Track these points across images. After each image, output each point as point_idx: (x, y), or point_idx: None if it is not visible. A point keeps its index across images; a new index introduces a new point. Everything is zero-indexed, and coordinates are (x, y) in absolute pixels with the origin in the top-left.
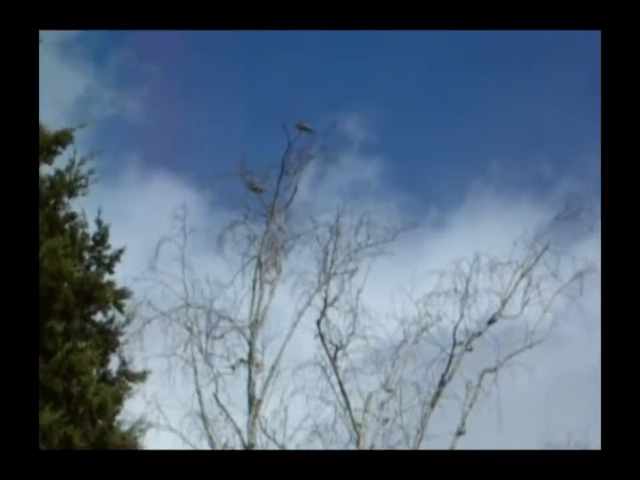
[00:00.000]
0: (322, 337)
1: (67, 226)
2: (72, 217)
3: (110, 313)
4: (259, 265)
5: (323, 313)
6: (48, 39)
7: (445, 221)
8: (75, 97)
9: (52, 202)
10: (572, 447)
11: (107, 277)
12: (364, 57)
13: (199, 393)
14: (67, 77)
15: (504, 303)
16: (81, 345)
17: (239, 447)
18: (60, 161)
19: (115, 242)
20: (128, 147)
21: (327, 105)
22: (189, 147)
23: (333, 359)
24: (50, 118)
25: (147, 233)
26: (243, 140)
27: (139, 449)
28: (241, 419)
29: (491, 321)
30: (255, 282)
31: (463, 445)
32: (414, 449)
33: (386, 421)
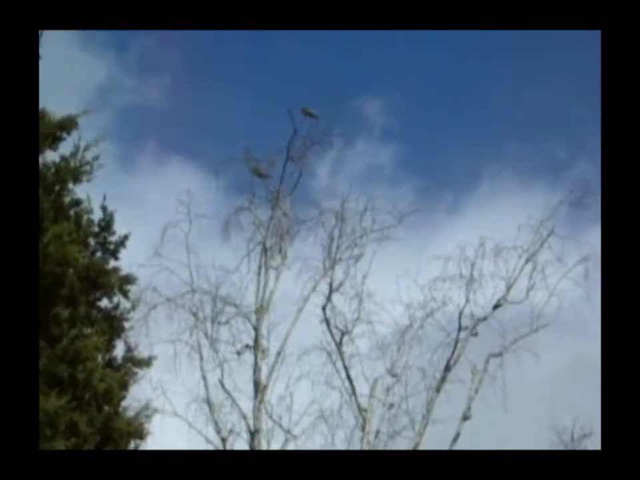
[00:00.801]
0: (327, 322)
1: (72, 212)
2: (77, 203)
3: (115, 299)
4: (264, 250)
5: (328, 299)
6: None
7: (458, 205)
8: (97, 84)
9: (57, 188)
10: (577, 431)
11: (112, 263)
12: (379, 46)
13: (204, 378)
14: (89, 65)
15: (509, 287)
16: (87, 331)
17: (244, 433)
18: (65, 147)
19: (125, 227)
20: (145, 133)
21: (345, 92)
22: (202, 134)
23: (339, 344)
24: (70, 104)
25: (156, 219)
26: (254, 127)
27: (145, 434)
28: (246, 405)
29: (497, 306)
30: (260, 268)
31: (468, 429)
32: (419, 434)
33: (391, 405)
